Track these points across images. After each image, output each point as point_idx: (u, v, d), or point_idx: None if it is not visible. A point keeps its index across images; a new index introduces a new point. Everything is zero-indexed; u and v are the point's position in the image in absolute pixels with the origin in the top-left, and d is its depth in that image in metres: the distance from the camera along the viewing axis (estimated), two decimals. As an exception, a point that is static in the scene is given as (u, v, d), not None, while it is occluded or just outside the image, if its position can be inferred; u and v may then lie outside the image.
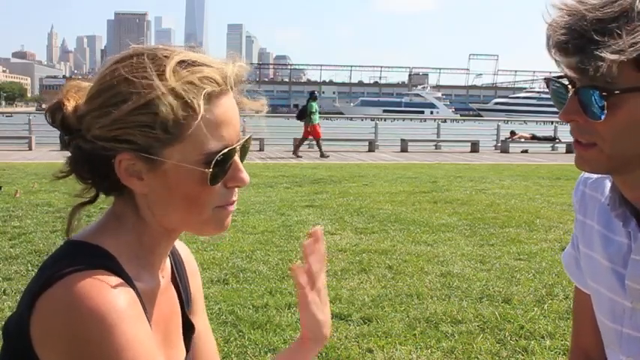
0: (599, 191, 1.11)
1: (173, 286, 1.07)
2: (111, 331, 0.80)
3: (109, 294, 0.82)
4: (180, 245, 1.14)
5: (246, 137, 0.97)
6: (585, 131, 0.91)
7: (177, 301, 1.07)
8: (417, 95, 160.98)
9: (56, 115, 0.91)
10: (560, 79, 0.95)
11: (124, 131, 0.86)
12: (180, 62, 0.88)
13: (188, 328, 1.08)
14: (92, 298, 0.81)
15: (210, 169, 0.89)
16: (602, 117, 0.87)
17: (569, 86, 0.93)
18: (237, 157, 0.93)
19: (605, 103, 0.86)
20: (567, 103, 0.92)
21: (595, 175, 1.13)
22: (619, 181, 1.00)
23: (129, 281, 0.88)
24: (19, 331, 0.84)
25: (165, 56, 0.89)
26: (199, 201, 0.91)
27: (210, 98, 0.88)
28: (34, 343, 0.83)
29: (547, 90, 0.99)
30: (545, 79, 1.00)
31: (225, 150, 0.89)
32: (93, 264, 0.86)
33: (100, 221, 0.96)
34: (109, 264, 0.88)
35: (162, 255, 1.00)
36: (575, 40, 0.84)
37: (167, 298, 1.03)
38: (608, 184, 1.06)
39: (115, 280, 0.85)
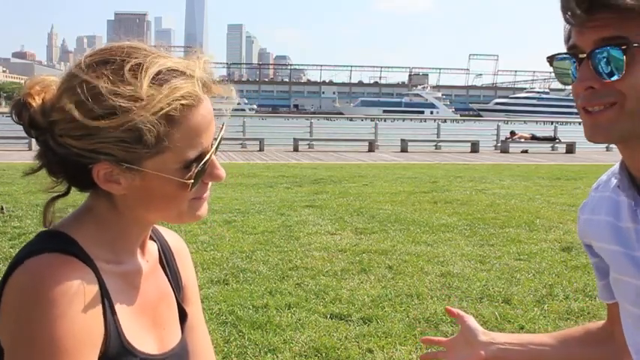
0: (607, 189, 1.12)
1: (163, 273, 1.09)
2: (49, 306, 0.82)
3: (55, 271, 0.85)
4: (168, 234, 1.16)
5: (220, 134, 0.98)
6: (603, 95, 0.91)
7: (168, 286, 1.09)
8: (417, 95, 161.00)
9: (22, 114, 0.89)
10: (566, 52, 0.95)
11: (102, 145, 0.86)
12: (156, 75, 0.87)
13: (181, 315, 1.10)
14: (37, 276, 0.84)
15: (192, 180, 0.91)
16: (621, 74, 0.88)
17: (580, 55, 0.92)
18: (213, 156, 0.95)
19: (625, 57, 0.86)
20: (580, 72, 0.91)
21: (604, 179, 1.15)
22: (629, 156, 1.00)
23: (88, 262, 0.90)
24: None
25: (140, 64, 0.87)
26: (177, 199, 0.93)
27: (188, 111, 0.88)
28: None
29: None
30: (547, 57, 0.99)
31: (206, 158, 0.91)
32: (48, 247, 0.88)
33: (73, 213, 0.98)
34: (67, 247, 0.89)
35: (138, 240, 1.01)
36: None
37: (154, 282, 1.05)
38: (614, 180, 1.08)
39: (66, 259, 0.87)
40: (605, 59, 0.88)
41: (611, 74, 0.88)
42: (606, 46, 0.87)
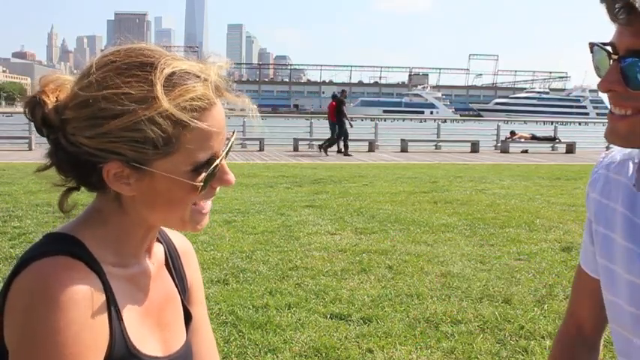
0: (622, 174, 1.09)
1: (169, 275, 1.09)
2: (57, 311, 0.82)
3: (63, 275, 0.84)
4: (174, 235, 1.15)
5: (231, 140, 0.97)
6: (626, 98, 0.90)
7: (174, 288, 1.09)
8: (417, 95, 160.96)
9: (36, 112, 0.89)
10: (605, 45, 0.93)
11: (113, 145, 0.86)
12: (170, 77, 0.87)
13: (185, 317, 1.10)
14: (46, 279, 0.84)
15: (202, 183, 0.91)
16: None
17: (613, 55, 0.91)
18: (223, 160, 0.94)
19: None
20: (607, 73, 0.91)
21: (617, 158, 1.11)
22: None
23: (95, 266, 0.90)
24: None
25: (154, 66, 0.87)
26: (183, 203, 0.93)
27: (200, 114, 0.88)
28: (4, 333, 0.86)
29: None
30: (590, 43, 0.97)
31: (216, 162, 0.91)
32: (56, 250, 0.88)
33: (80, 214, 0.97)
34: (74, 249, 0.89)
35: (144, 243, 1.01)
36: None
37: (161, 284, 1.05)
38: (632, 167, 1.05)
39: (74, 263, 0.87)
40: (632, 69, 0.87)
41: (635, 85, 0.87)
42: (635, 57, 0.86)
